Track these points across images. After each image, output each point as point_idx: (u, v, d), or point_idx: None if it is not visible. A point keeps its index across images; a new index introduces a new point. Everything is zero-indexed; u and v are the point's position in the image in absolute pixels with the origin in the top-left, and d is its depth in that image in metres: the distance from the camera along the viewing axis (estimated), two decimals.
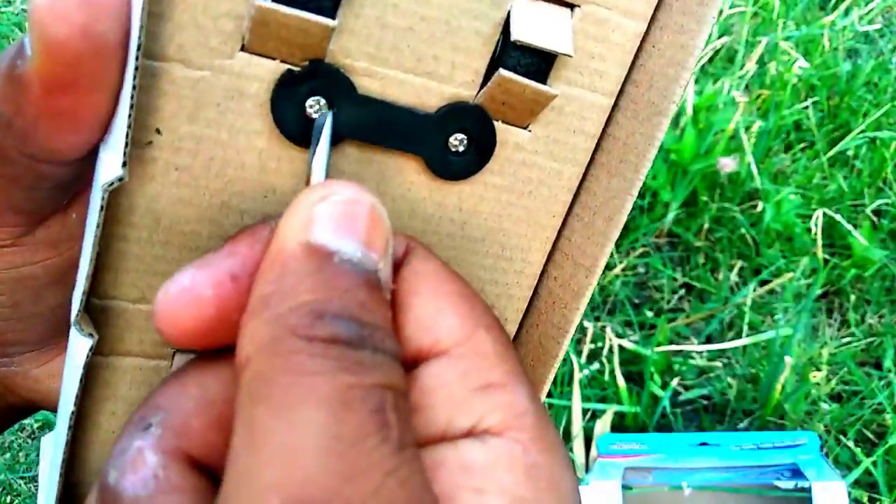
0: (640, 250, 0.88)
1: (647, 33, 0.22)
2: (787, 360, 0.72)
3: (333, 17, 0.18)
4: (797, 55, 1.03)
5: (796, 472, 0.65)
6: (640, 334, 0.81)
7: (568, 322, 0.24)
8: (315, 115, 0.19)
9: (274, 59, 0.19)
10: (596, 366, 0.78)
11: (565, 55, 0.20)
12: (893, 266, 0.87)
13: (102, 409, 0.21)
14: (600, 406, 0.74)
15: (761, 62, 1.03)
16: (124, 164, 0.17)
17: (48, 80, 0.17)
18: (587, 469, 0.71)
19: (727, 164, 0.87)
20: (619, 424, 0.75)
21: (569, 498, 0.17)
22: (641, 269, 0.89)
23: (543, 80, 0.21)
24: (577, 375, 0.75)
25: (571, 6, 0.20)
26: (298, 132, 0.19)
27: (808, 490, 0.62)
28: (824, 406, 0.76)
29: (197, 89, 0.18)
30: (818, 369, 0.78)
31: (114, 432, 0.21)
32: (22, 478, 0.86)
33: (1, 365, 0.23)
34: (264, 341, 0.15)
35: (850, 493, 0.66)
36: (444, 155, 0.21)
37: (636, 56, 0.22)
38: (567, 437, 0.73)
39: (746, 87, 1.02)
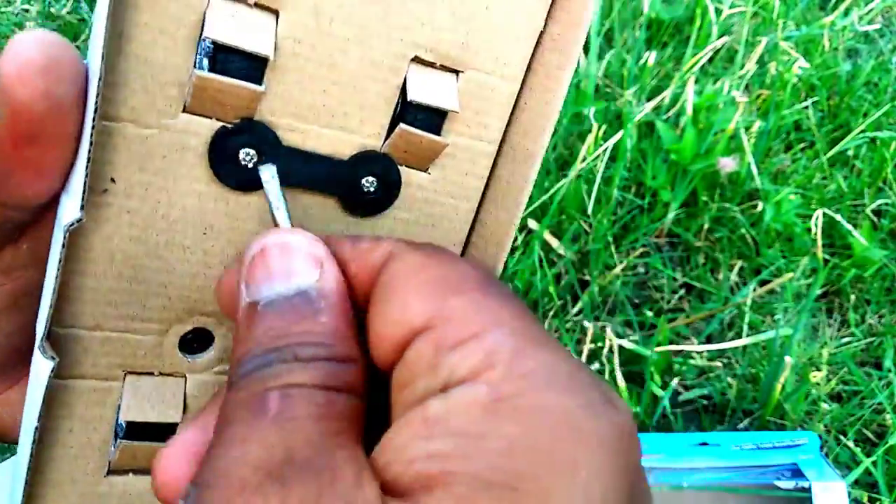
0: (640, 250, 0.88)
1: (520, 92, 0.26)
2: (787, 360, 0.71)
3: (260, 84, 0.22)
4: (797, 55, 1.03)
5: (796, 472, 0.65)
6: (640, 334, 0.81)
7: None
8: (246, 164, 0.23)
9: (211, 118, 0.22)
10: (596, 366, 0.77)
11: (452, 111, 0.25)
12: (893, 266, 0.87)
13: (61, 427, 0.23)
14: None
15: (761, 62, 1.03)
16: (82, 208, 0.20)
17: (15, 135, 0.19)
18: None
19: (727, 164, 0.87)
20: None
21: (545, 417, 0.16)
22: (641, 269, 0.89)
23: (437, 132, 0.25)
24: None
25: (457, 72, 0.25)
26: (233, 179, 0.23)
27: (809, 490, 0.62)
28: (824, 406, 0.76)
29: (146, 144, 0.22)
30: (818, 369, 0.78)
31: (72, 447, 0.24)
32: None
33: None
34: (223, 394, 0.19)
35: (849, 493, 0.66)
36: (357, 195, 0.25)
37: (513, 110, 0.26)
38: None
39: (746, 87, 1.02)
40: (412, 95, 0.24)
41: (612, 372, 0.76)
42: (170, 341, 0.24)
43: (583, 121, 0.93)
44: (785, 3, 1.11)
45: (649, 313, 0.84)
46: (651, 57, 0.97)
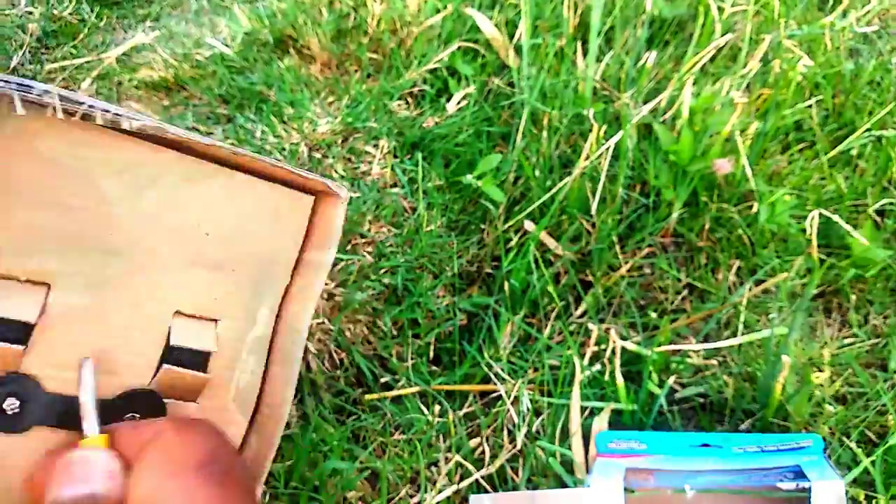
0: (646, 250, 0.88)
1: (274, 332, 0.31)
2: (785, 359, 0.71)
3: (24, 345, 0.24)
4: (801, 53, 1.02)
5: (799, 474, 0.65)
6: (644, 335, 0.81)
7: None
8: (12, 411, 0.25)
9: None
10: (598, 367, 0.77)
11: (211, 351, 0.29)
12: None
13: None
14: (598, 404, 0.74)
15: (765, 60, 1.02)
16: None
17: None
18: (587, 469, 0.71)
19: (723, 166, 0.86)
20: (617, 423, 0.75)
21: None
22: (647, 270, 0.89)
23: (203, 370, 0.29)
24: (579, 377, 0.74)
25: (215, 321, 0.29)
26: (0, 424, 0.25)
27: (808, 490, 0.62)
28: (829, 408, 0.75)
29: None
30: (820, 370, 0.78)
31: None
32: None
33: None
34: None
35: (847, 492, 0.66)
36: None
37: (270, 346, 0.31)
38: (565, 434, 0.73)
39: (748, 86, 1.01)
40: (174, 341, 0.28)
41: (611, 372, 0.76)
42: None
43: (583, 121, 0.93)
44: (784, 2, 1.10)
45: (654, 315, 0.84)
46: (651, 57, 0.97)
